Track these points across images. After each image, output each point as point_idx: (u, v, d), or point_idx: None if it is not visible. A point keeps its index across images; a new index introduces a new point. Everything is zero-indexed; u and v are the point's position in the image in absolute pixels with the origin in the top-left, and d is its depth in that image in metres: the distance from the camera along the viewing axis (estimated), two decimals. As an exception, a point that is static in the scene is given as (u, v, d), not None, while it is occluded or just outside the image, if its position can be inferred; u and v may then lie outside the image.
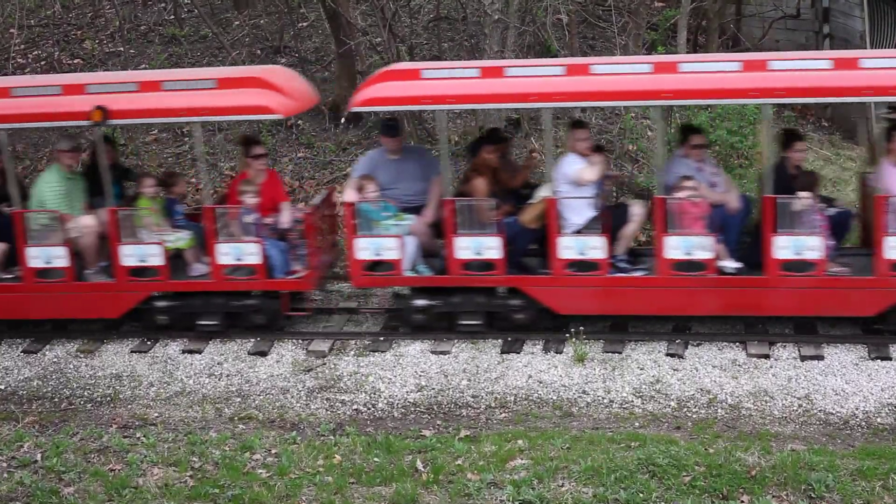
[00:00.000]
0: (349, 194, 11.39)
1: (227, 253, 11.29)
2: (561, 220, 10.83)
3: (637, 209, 11.21)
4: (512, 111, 15.53)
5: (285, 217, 11.58)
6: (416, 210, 11.50)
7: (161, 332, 11.77)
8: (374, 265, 11.26)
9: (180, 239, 11.66)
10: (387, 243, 11.13)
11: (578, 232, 10.86)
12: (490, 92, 10.82)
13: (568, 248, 10.80)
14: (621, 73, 10.72)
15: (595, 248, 10.77)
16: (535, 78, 10.75)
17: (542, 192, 11.01)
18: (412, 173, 11.75)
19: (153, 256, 11.41)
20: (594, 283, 10.83)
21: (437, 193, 11.42)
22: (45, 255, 11.53)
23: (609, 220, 10.99)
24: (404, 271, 11.16)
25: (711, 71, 10.50)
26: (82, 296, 11.62)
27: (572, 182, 10.89)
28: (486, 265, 10.96)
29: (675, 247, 10.62)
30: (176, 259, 11.67)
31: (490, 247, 10.90)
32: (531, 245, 11.26)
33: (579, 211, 10.90)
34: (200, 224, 11.67)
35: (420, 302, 11.27)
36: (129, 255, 11.41)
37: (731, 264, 10.81)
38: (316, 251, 11.49)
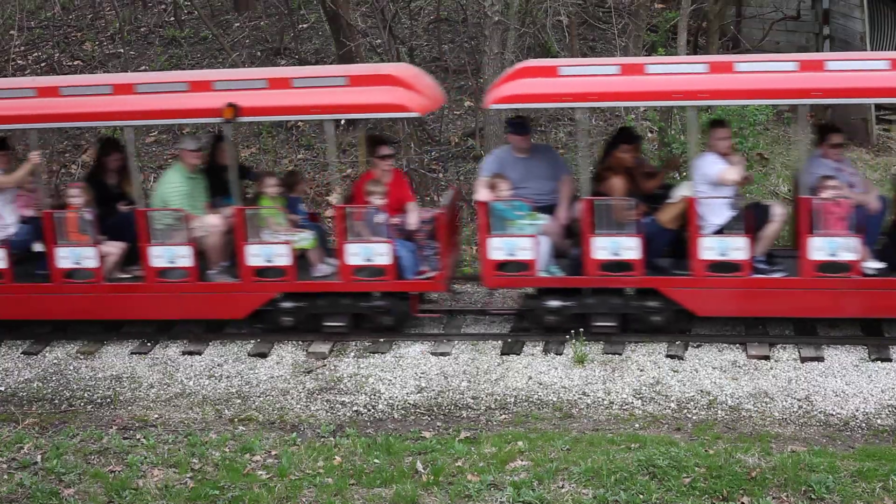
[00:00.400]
0: (482, 193, 11.12)
1: (357, 253, 11.09)
2: (699, 221, 10.63)
3: (778, 209, 10.97)
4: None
5: (413, 217, 11.46)
6: (545, 209, 11.26)
7: (161, 334, 11.78)
8: (506, 265, 10.99)
9: (304, 239, 11.44)
10: (521, 243, 10.91)
11: (719, 232, 10.64)
12: (632, 90, 10.68)
13: (709, 248, 10.58)
14: (766, 70, 10.53)
15: (737, 248, 10.55)
16: (678, 75, 10.60)
17: (682, 192, 10.82)
18: (541, 172, 11.49)
19: (280, 256, 11.21)
20: (735, 285, 10.62)
21: (568, 193, 11.30)
22: (168, 255, 11.36)
23: (751, 221, 10.76)
24: (538, 272, 10.96)
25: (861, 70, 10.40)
26: (206, 296, 11.45)
27: (713, 182, 10.67)
28: (624, 266, 10.75)
29: (820, 248, 10.42)
30: (298, 259, 11.44)
31: (628, 247, 10.70)
32: (668, 246, 11.06)
33: (718, 211, 10.68)
34: (319, 224, 11.51)
35: (553, 303, 11.05)
36: (256, 254, 11.22)
37: (874, 265, 10.63)
38: (446, 251, 11.34)
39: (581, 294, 11.04)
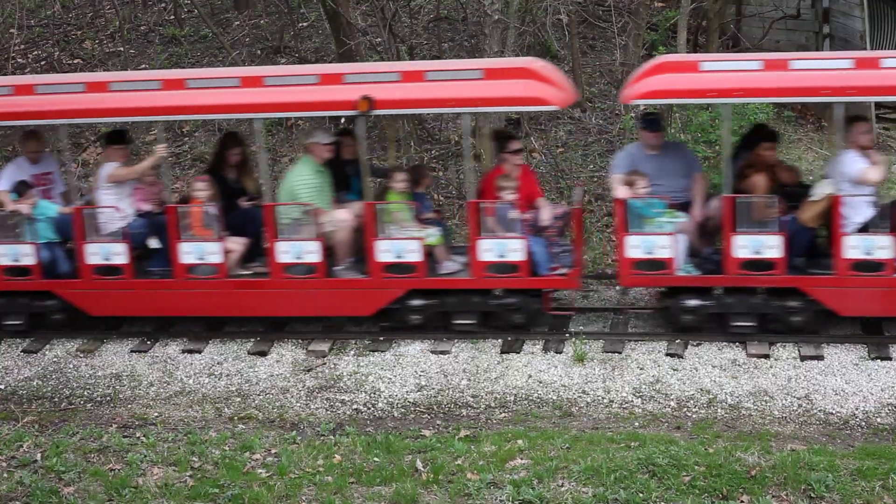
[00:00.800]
0: (620, 191, 10.91)
1: (489, 249, 10.91)
2: (841, 219, 10.47)
3: None
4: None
5: (546, 213, 11.33)
6: (677, 207, 11.06)
7: (161, 332, 11.78)
8: (644, 264, 10.79)
9: (431, 235, 11.28)
10: (659, 241, 10.72)
11: (862, 230, 10.49)
12: (777, 85, 10.51)
13: (854, 247, 10.41)
14: None
15: (882, 247, 10.39)
16: (823, 71, 10.44)
17: (825, 189, 10.64)
18: (673, 169, 11.31)
19: (411, 252, 11.04)
20: (881, 284, 10.44)
21: (702, 190, 11.18)
22: (295, 250, 11.19)
23: (895, 219, 10.58)
24: (676, 270, 10.81)
25: None
26: (334, 292, 11.29)
27: (854, 181, 10.50)
28: (765, 265, 10.56)
29: None
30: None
31: (770, 245, 10.51)
32: (809, 244, 10.90)
33: (860, 209, 10.52)
34: (440, 220, 11.34)
35: (692, 302, 10.88)
36: (386, 250, 11.05)
37: None
38: (580, 248, 11.19)
39: (719, 293, 10.83)
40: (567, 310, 11.72)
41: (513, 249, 10.88)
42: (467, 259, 11.31)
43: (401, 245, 11.05)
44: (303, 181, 11.41)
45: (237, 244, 11.53)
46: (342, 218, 11.33)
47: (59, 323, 11.81)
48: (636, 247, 10.79)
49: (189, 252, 11.32)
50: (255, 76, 11.35)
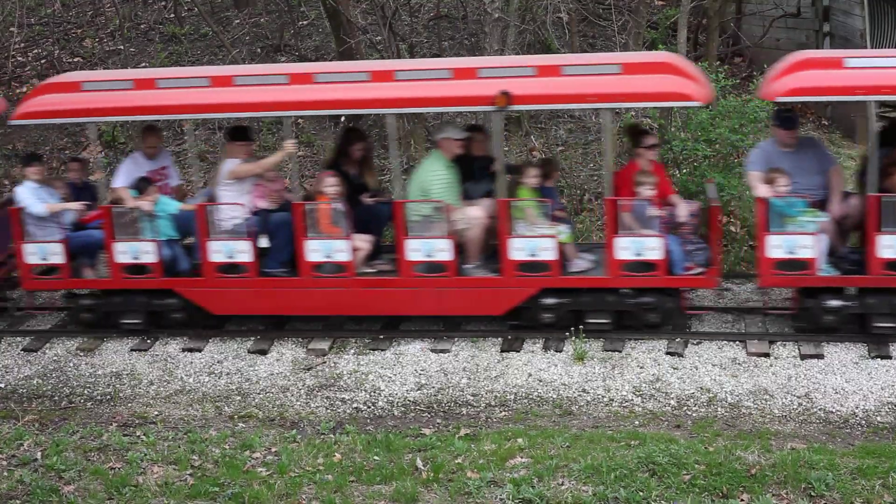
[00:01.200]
0: (761, 189, 10.63)
1: (627, 248, 10.67)
2: None
3: None
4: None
5: (683, 210, 11.08)
6: (815, 205, 10.80)
7: (162, 330, 11.77)
8: (785, 264, 10.53)
9: (561, 232, 11.04)
10: (802, 241, 10.47)
11: None
12: None
13: None
14: None
15: None
16: None
17: None
18: (809, 166, 11.01)
19: (545, 250, 10.80)
20: None
21: (839, 186, 10.97)
22: (426, 248, 10.95)
23: None
24: (818, 270, 10.55)
25: None
26: (465, 291, 11.05)
27: None
28: None
29: None
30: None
31: None
32: None
33: None
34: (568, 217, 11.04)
35: (833, 303, 10.64)
36: (520, 248, 10.80)
37: None
38: (717, 246, 10.96)
39: (862, 294, 10.64)
40: (702, 309, 11.51)
41: (651, 248, 10.65)
42: (596, 257, 11.18)
43: (535, 243, 10.82)
44: (435, 177, 11.18)
45: (364, 242, 11.32)
46: (475, 215, 11.12)
47: (178, 322, 11.65)
48: (777, 247, 10.52)
49: (316, 250, 11.09)
50: (385, 70, 11.14)
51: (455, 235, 11.02)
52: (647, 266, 10.72)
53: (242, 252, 11.25)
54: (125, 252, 11.43)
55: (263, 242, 11.38)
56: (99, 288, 11.78)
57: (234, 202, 11.34)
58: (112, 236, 11.41)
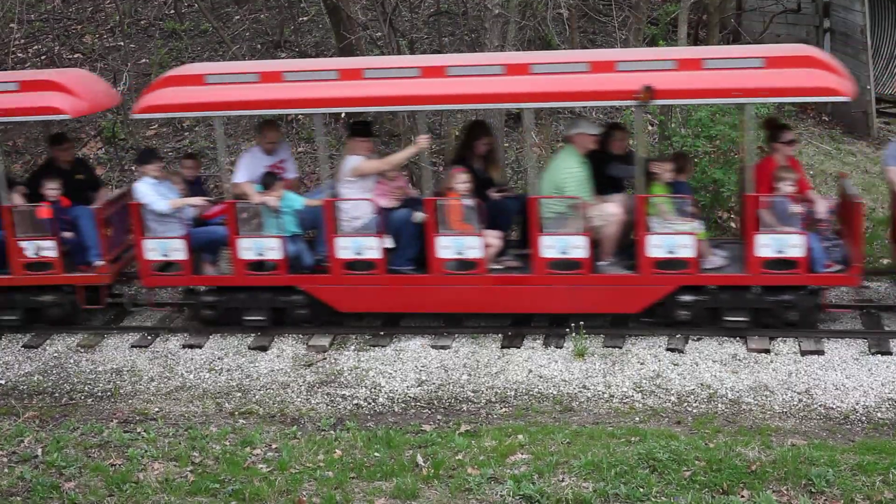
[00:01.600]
0: None
1: (767, 245, 10.46)
2: None
3: None
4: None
5: (822, 206, 10.82)
6: None
7: (161, 328, 11.77)
8: None
9: (695, 228, 10.82)
10: None
11: None
12: None
13: None
14: None
15: None
16: None
17: None
18: None
19: (683, 247, 10.58)
20: None
21: None
22: (561, 245, 10.73)
23: None
24: None
25: None
26: (600, 289, 10.85)
27: None
28: None
29: None
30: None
31: None
32: None
33: None
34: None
35: None
36: (658, 245, 10.61)
37: None
38: (859, 243, 10.67)
39: None
40: (844, 307, 11.32)
41: (792, 245, 10.48)
42: (729, 253, 11.05)
43: (673, 240, 10.64)
44: (570, 172, 10.96)
45: (496, 238, 11.15)
46: (612, 212, 10.95)
47: (301, 319, 11.49)
48: None
49: (447, 246, 10.94)
50: (521, 64, 10.84)
51: (591, 232, 10.82)
52: (787, 264, 10.53)
53: (371, 248, 11.09)
54: (249, 248, 11.26)
55: (388, 242, 11.18)
56: (220, 284, 11.60)
57: (361, 198, 11.15)
58: (236, 232, 11.25)
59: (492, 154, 11.90)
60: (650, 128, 16.11)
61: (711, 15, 16.74)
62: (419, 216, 11.04)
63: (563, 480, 8.43)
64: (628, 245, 11.10)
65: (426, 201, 10.98)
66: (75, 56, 19.59)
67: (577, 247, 10.72)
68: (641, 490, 8.18)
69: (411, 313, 11.58)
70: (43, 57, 19.59)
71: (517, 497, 8.25)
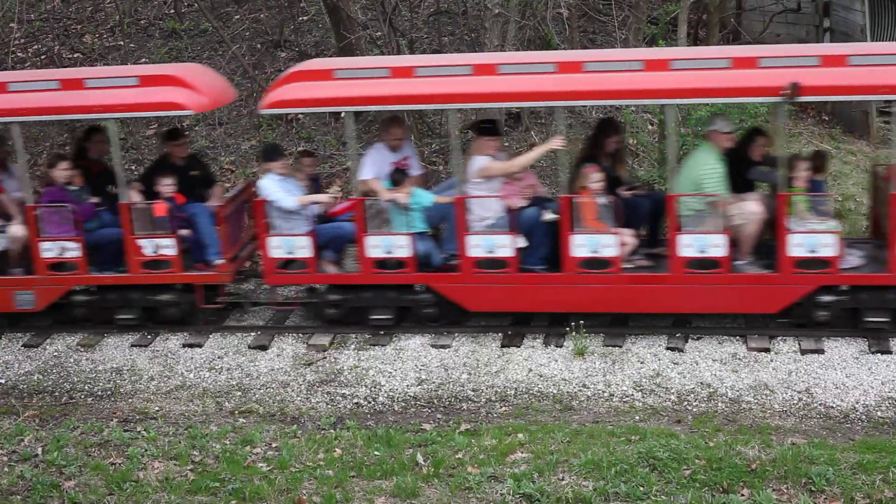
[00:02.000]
0: None
1: None
2: None
3: None
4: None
5: None
6: None
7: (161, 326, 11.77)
8: None
9: (834, 227, 10.61)
10: None
11: None
12: None
13: None
14: None
15: None
16: None
17: None
18: None
19: (825, 247, 10.37)
20: None
21: None
22: (699, 244, 10.52)
23: None
24: None
25: None
26: (739, 289, 10.62)
27: None
28: None
29: None
30: None
31: None
32: None
33: None
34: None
35: None
36: (799, 244, 10.39)
37: None
38: None
39: None
40: None
41: None
42: (863, 253, 10.91)
43: (815, 239, 10.41)
44: (710, 169, 10.77)
45: (630, 237, 11.00)
46: (753, 210, 10.76)
47: (428, 317, 11.31)
48: None
49: (582, 245, 10.74)
50: (661, 59, 10.67)
51: (730, 231, 10.64)
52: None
53: (503, 247, 10.90)
54: (377, 246, 11.11)
55: (521, 241, 10.99)
56: (346, 283, 11.41)
57: (492, 196, 10.99)
58: (364, 229, 11.11)
59: (620, 152, 11.74)
60: (650, 127, 16.12)
61: (711, 14, 16.74)
62: (550, 215, 10.94)
63: (563, 479, 8.43)
64: (760, 245, 10.94)
65: (561, 199, 10.79)
66: (75, 56, 19.60)
67: (717, 245, 10.53)
68: (641, 489, 8.18)
69: (410, 313, 11.57)
70: (43, 57, 19.60)
71: (517, 496, 8.24)
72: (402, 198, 11.10)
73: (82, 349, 11.52)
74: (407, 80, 10.91)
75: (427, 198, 11.27)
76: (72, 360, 11.34)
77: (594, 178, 10.84)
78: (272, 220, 11.35)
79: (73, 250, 11.55)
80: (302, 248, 11.29)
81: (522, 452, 8.89)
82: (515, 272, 10.92)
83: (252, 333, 11.57)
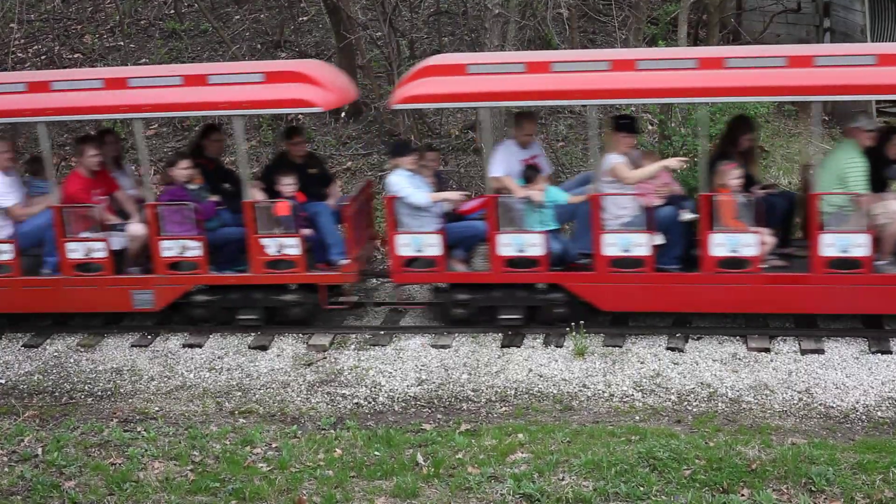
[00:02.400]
0: None
1: None
2: None
3: None
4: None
5: None
6: None
7: (162, 327, 11.76)
8: None
9: None
10: None
11: None
12: None
13: None
14: None
15: None
16: None
17: None
18: None
19: None
20: None
21: None
22: (841, 243, 10.26)
23: None
24: None
25: None
26: (882, 290, 10.36)
27: None
28: None
29: None
30: None
31: None
32: None
33: None
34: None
35: None
36: None
37: None
38: None
39: None
40: None
41: None
42: None
43: None
44: (853, 164, 10.53)
45: (769, 236, 10.74)
46: None
47: (559, 317, 11.02)
48: None
49: (721, 244, 10.52)
50: (804, 56, 10.41)
51: (874, 230, 10.38)
52: None
53: (639, 245, 10.68)
54: (509, 244, 10.87)
55: (659, 239, 10.79)
56: (476, 281, 11.17)
57: (628, 193, 10.81)
58: (496, 227, 10.90)
59: (752, 150, 11.61)
60: (650, 127, 16.12)
61: (711, 15, 16.73)
62: (689, 215, 10.81)
63: (563, 479, 8.43)
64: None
65: (700, 198, 10.59)
66: (75, 56, 19.61)
67: (860, 245, 10.28)
68: (641, 489, 8.18)
69: (410, 313, 11.57)
70: (43, 57, 19.61)
71: (517, 496, 8.25)
72: (536, 195, 10.92)
73: (82, 349, 11.52)
74: (545, 75, 10.69)
75: (562, 196, 11.10)
76: (72, 361, 11.34)
77: (733, 176, 10.66)
78: (400, 217, 11.13)
79: (194, 249, 11.32)
80: (431, 245, 11.05)
81: (522, 452, 8.89)
82: (652, 271, 10.74)
83: (252, 333, 11.56)
